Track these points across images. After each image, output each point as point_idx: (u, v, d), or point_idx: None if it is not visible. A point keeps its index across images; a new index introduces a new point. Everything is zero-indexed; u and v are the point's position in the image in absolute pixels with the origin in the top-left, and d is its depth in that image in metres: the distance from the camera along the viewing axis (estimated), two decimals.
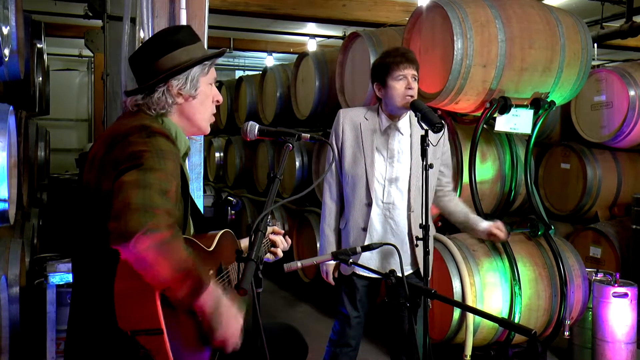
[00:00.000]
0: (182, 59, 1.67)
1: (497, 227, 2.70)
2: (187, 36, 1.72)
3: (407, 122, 2.64)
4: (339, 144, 2.65)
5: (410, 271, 2.67)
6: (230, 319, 1.50)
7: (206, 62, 1.71)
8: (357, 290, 2.66)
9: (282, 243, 2.06)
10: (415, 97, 2.53)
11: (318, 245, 4.71)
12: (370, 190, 2.58)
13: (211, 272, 1.63)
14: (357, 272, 2.64)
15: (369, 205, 2.59)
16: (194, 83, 1.69)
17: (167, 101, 1.66)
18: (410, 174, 2.61)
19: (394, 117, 2.61)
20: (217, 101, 1.79)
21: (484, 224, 2.71)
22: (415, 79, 2.55)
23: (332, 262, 2.66)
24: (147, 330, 1.39)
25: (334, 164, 2.67)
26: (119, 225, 1.34)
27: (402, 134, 2.63)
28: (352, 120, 2.65)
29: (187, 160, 1.83)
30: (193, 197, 1.89)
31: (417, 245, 2.62)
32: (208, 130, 1.80)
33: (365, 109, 2.71)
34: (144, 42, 1.78)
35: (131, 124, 1.56)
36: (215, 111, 1.81)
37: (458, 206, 2.78)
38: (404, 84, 2.52)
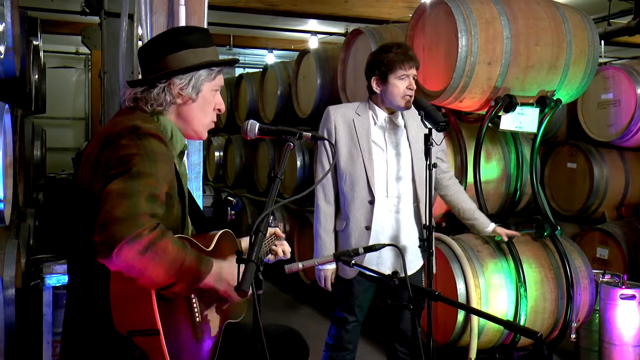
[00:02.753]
0: (189, 60, 1.64)
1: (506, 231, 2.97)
2: (199, 39, 1.69)
3: (400, 113, 2.60)
4: (332, 142, 2.58)
5: (420, 266, 2.64)
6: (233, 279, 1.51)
7: (214, 68, 1.68)
8: (354, 295, 2.60)
9: (287, 252, 2.04)
10: (414, 95, 2.50)
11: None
12: (371, 187, 2.52)
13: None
14: (357, 274, 2.58)
15: (372, 202, 2.52)
16: (197, 86, 1.66)
17: (166, 99, 1.64)
18: (412, 164, 2.57)
19: (389, 110, 2.57)
20: (219, 110, 1.75)
21: (491, 227, 2.89)
22: (415, 79, 2.52)
23: (330, 268, 2.62)
24: (143, 330, 1.39)
25: (326, 161, 2.58)
26: (103, 238, 1.34)
27: (398, 125, 2.59)
28: (344, 117, 2.58)
29: (184, 159, 1.83)
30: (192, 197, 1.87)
31: (420, 247, 2.59)
32: (205, 136, 1.77)
33: (354, 104, 2.65)
34: (155, 36, 1.76)
35: (124, 124, 1.54)
36: (215, 119, 1.77)
37: (466, 203, 2.81)
38: (406, 84, 2.48)
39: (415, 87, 2.50)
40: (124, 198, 1.38)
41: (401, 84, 2.48)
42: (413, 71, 2.49)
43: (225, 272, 1.55)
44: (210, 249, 1.65)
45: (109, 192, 1.39)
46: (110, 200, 1.37)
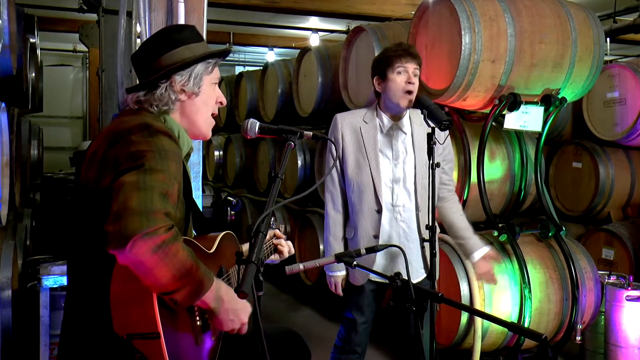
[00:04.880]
0: (185, 56, 1.65)
1: (487, 271, 2.70)
2: (191, 35, 1.71)
3: (408, 120, 2.58)
4: (339, 150, 2.56)
5: (424, 275, 2.60)
6: (234, 310, 1.51)
7: (210, 60, 1.69)
8: (365, 295, 2.59)
9: (290, 249, 2.02)
10: (415, 93, 2.47)
11: (322, 250, 4.65)
12: (378, 196, 2.51)
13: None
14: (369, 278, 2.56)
15: (379, 211, 2.51)
16: (197, 80, 1.67)
17: (170, 97, 1.64)
18: (415, 172, 2.55)
19: (394, 116, 2.55)
20: (221, 102, 1.76)
21: (476, 256, 2.66)
22: (416, 75, 2.48)
23: (340, 274, 2.61)
24: (143, 334, 1.38)
25: (334, 170, 2.58)
26: (117, 228, 1.32)
27: (405, 133, 2.57)
28: (351, 125, 2.57)
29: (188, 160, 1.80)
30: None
31: (423, 247, 2.56)
32: (209, 134, 1.78)
33: (362, 111, 2.63)
34: (146, 39, 1.75)
35: (133, 122, 1.53)
36: (217, 113, 1.78)
37: (460, 222, 2.68)
38: (404, 78, 2.46)
39: (415, 82, 2.47)
40: (138, 190, 1.36)
41: (399, 78, 2.45)
42: (412, 65, 2.46)
43: (224, 292, 1.51)
44: (212, 251, 1.64)
45: (122, 184, 1.38)
46: (124, 192, 1.36)
